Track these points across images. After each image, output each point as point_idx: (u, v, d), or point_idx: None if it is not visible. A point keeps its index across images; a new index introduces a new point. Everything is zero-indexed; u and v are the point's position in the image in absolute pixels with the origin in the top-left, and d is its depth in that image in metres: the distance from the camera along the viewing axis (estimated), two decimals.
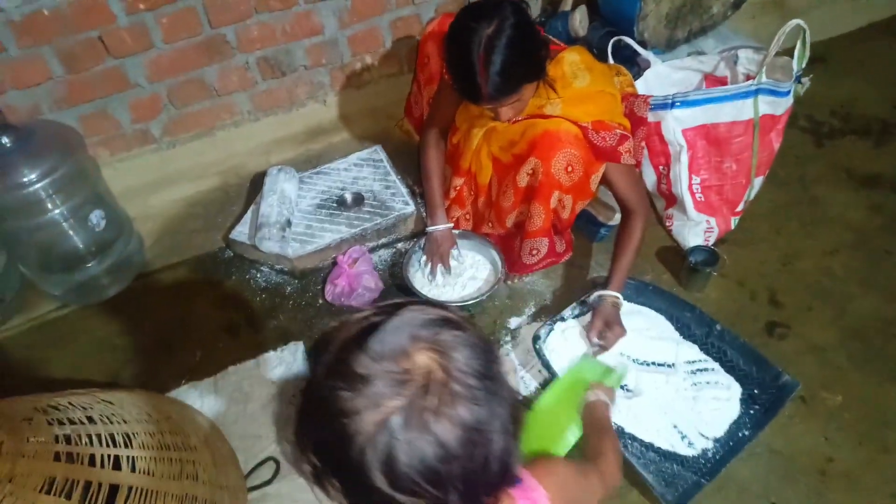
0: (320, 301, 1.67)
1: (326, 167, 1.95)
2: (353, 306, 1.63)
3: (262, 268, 1.76)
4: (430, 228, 1.63)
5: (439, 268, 1.61)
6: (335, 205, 1.81)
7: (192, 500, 1.15)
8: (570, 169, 1.41)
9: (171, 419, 1.26)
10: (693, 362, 1.45)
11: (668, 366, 1.44)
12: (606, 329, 1.40)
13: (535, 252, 1.60)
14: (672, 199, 1.77)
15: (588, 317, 1.52)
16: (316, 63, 2.05)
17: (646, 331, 1.50)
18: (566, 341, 1.45)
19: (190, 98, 1.93)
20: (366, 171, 1.93)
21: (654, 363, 1.45)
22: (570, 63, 1.40)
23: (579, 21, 1.97)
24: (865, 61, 2.31)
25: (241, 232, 1.75)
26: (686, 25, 2.00)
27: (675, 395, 1.38)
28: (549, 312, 1.59)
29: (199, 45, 1.84)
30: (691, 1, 1.94)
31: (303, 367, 1.50)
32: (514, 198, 1.52)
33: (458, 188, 1.65)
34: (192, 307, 1.69)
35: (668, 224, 1.80)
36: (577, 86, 1.39)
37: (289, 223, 1.69)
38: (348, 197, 1.83)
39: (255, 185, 1.96)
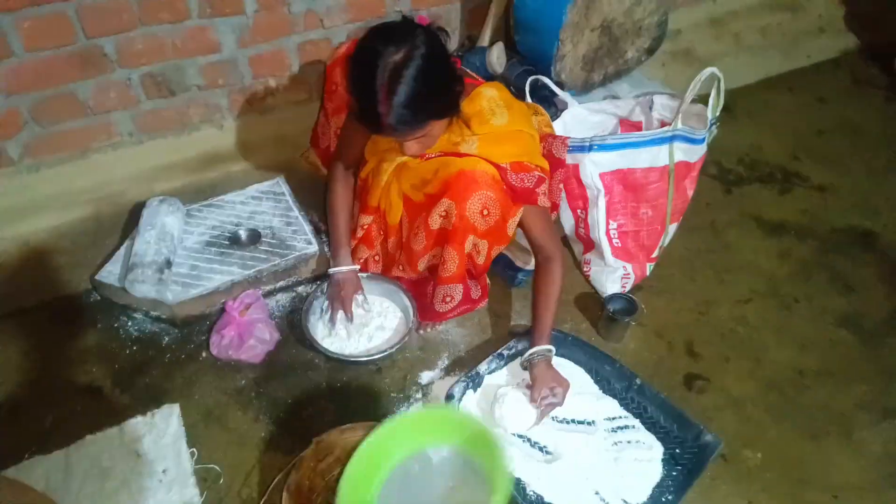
0: (203, 354, 1.46)
1: (219, 199, 1.75)
2: (241, 360, 1.43)
3: (134, 314, 1.52)
4: (332, 270, 1.48)
5: (340, 316, 1.45)
6: (227, 242, 1.62)
7: None
8: (486, 212, 1.31)
9: None
10: (613, 419, 1.37)
11: (588, 423, 1.36)
12: (551, 392, 1.29)
13: (448, 299, 1.48)
14: (590, 244, 1.71)
15: (505, 371, 1.41)
16: (212, 83, 1.86)
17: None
18: (483, 402, 1.33)
19: (58, 115, 1.69)
20: (265, 205, 1.75)
21: (573, 421, 1.36)
22: (489, 99, 1.32)
23: (496, 57, 1.91)
24: (766, 112, 2.41)
25: (109, 272, 1.51)
26: (602, 68, 1.99)
27: (595, 457, 1.29)
28: (464, 365, 1.47)
29: (70, 55, 1.61)
30: (607, 44, 1.94)
31: (178, 435, 1.28)
32: (426, 241, 1.40)
33: (365, 227, 1.51)
34: (48, 361, 1.43)
35: (585, 269, 1.75)
36: (494, 123, 1.30)
37: (168, 263, 1.48)
38: (242, 234, 1.64)
39: (135, 216, 1.71)
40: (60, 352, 1.45)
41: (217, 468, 1.24)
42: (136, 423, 1.31)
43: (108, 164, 1.82)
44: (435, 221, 1.36)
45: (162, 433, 1.29)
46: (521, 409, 1.31)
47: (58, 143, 1.73)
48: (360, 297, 1.49)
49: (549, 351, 1.33)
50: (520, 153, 1.34)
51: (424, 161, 1.35)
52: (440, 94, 1.17)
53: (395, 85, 1.08)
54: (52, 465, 1.23)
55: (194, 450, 1.26)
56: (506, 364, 1.43)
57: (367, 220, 1.50)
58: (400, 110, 1.10)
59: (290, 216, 1.72)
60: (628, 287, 1.69)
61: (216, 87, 1.87)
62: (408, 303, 1.52)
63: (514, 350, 1.43)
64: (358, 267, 1.51)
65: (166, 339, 1.49)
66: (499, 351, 1.41)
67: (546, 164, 1.41)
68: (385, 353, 1.41)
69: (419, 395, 1.41)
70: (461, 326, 1.58)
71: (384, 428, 1.10)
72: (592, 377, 1.45)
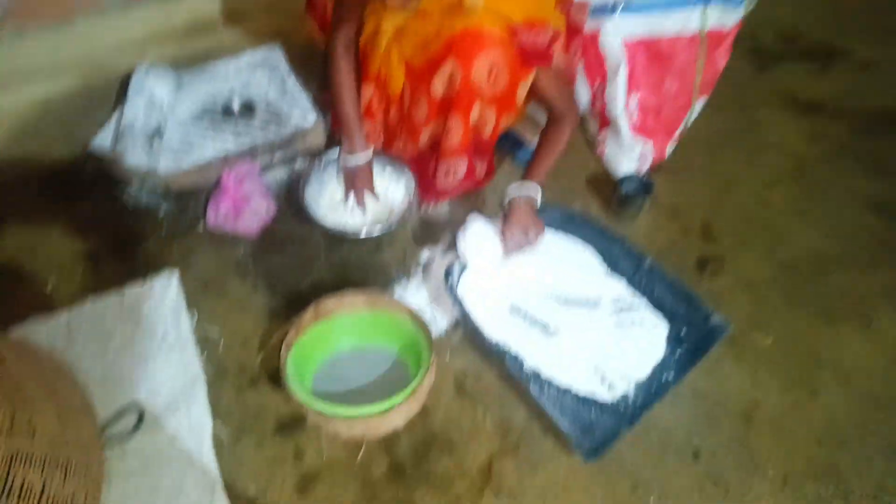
0: (200, 226, 1.43)
1: (212, 67, 1.66)
2: (238, 232, 1.40)
3: (128, 188, 1.48)
4: (348, 157, 1.40)
5: (367, 196, 1.42)
6: (220, 114, 1.54)
7: (23, 461, 0.95)
8: (493, 75, 1.21)
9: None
10: (619, 300, 1.33)
11: (592, 303, 1.32)
12: (523, 231, 1.28)
13: (451, 174, 1.41)
14: (605, 121, 1.60)
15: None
16: None
17: (570, 263, 1.37)
18: (480, 281, 1.30)
19: None
20: (260, 74, 1.66)
21: (576, 299, 1.32)
22: None
23: None
24: None
25: (102, 141, 1.46)
26: None
27: (597, 335, 1.26)
28: None
29: None
30: None
31: (178, 301, 1.28)
32: (429, 110, 1.31)
33: (366, 99, 1.42)
34: (45, 230, 1.42)
35: (599, 149, 1.65)
36: None
37: (159, 133, 1.42)
38: (236, 104, 1.56)
39: (126, 87, 1.64)
40: (58, 221, 1.43)
41: (217, 331, 1.24)
42: (136, 288, 1.30)
43: (94, 32, 1.73)
44: (438, 87, 1.26)
45: (161, 299, 1.28)
46: (485, 242, 1.29)
47: (41, 8, 1.64)
48: (373, 192, 1.44)
49: (536, 192, 1.31)
50: (531, 10, 1.21)
51: (424, 20, 1.24)
52: None
53: None
54: (54, 327, 1.24)
55: (194, 310, 1.26)
56: None
57: (367, 91, 1.40)
58: None
59: (286, 86, 1.63)
60: (645, 168, 1.60)
61: None
62: (409, 179, 1.45)
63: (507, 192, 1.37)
64: (371, 154, 1.42)
65: (162, 210, 1.46)
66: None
67: (562, 22, 1.28)
68: (384, 229, 1.36)
69: (418, 271, 1.37)
70: (464, 206, 1.52)
71: (336, 319, 1.19)
72: (600, 258, 1.39)
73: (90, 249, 1.38)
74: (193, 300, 1.29)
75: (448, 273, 1.26)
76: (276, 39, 1.76)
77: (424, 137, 1.40)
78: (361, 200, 1.42)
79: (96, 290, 1.30)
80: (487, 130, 1.35)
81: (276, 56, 1.71)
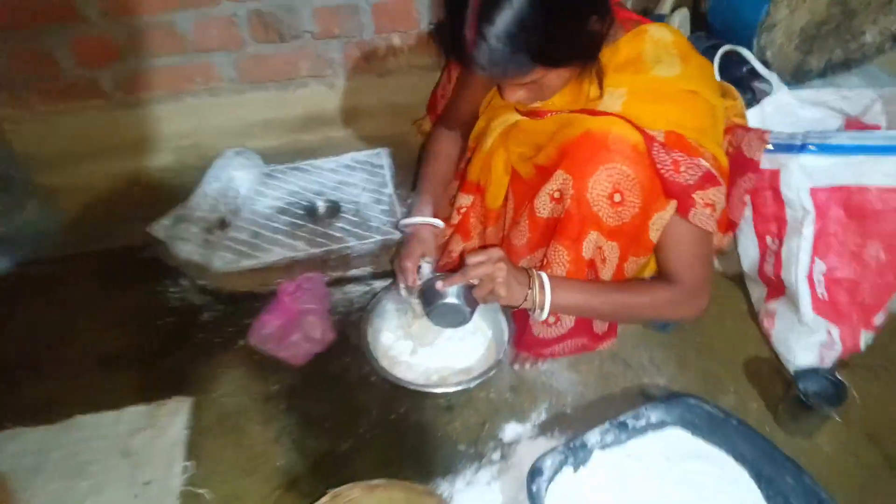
0: (241, 342, 1.18)
1: (307, 163, 1.50)
2: (281, 358, 1.14)
3: (180, 280, 1.29)
4: (402, 222, 1.13)
5: (401, 286, 1.08)
6: (301, 212, 1.35)
7: None
8: (617, 197, 0.90)
9: None
10: None
11: None
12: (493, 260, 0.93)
13: (553, 323, 1.08)
14: (779, 289, 1.21)
15: (626, 449, 0.98)
16: (326, 32, 1.62)
17: (717, 492, 0.94)
18: (584, 489, 0.91)
19: (155, 48, 1.53)
20: (357, 176, 1.47)
21: None
22: (656, 42, 0.91)
23: (678, 25, 1.48)
24: None
25: (163, 225, 1.30)
26: (824, 52, 1.48)
27: None
28: (568, 426, 1.06)
29: None
30: (838, 17, 1.42)
31: (178, 439, 1.01)
32: (530, 233, 1.01)
33: (463, 210, 1.15)
34: (72, 318, 1.24)
35: (766, 324, 1.24)
36: (657, 74, 0.89)
37: (223, 224, 1.23)
38: (320, 204, 1.36)
39: None
40: (90, 310, 1.25)
41: (206, 496, 0.94)
42: (138, 412, 1.05)
43: (201, 111, 1.65)
44: (543, 205, 0.97)
45: (161, 432, 1.02)
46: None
47: (152, 80, 1.58)
48: (427, 263, 1.08)
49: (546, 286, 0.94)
50: (684, 123, 0.91)
51: (540, 118, 0.97)
52: (562, 32, 0.79)
53: (490, 8, 0.73)
54: (29, 443, 1.01)
55: (190, 464, 0.98)
56: (628, 439, 0.99)
57: (465, 200, 1.14)
58: (492, 42, 0.75)
59: (382, 193, 1.42)
60: (830, 361, 1.16)
61: (331, 36, 1.63)
62: (504, 324, 1.13)
63: (643, 421, 0.99)
64: (437, 222, 1.12)
65: (206, 314, 1.24)
66: (621, 418, 0.98)
67: (724, 158, 0.97)
68: (460, 387, 1.03)
69: (496, 456, 1.01)
70: (573, 370, 1.16)
71: None
72: (762, 489, 0.96)
73: (112, 351, 1.17)
74: (198, 443, 1.01)
75: (536, 472, 0.89)
76: (391, 145, 1.59)
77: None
78: (403, 271, 1.05)
79: (96, 401, 1.07)
80: (606, 272, 1.01)
81: (380, 159, 1.53)
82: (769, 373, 1.18)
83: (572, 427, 1.06)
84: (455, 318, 1.00)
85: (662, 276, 1.00)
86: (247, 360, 1.15)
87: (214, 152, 1.59)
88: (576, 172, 0.90)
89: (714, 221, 0.94)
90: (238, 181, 1.30)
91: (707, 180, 0.90)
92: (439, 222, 1.12)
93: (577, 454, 0.92)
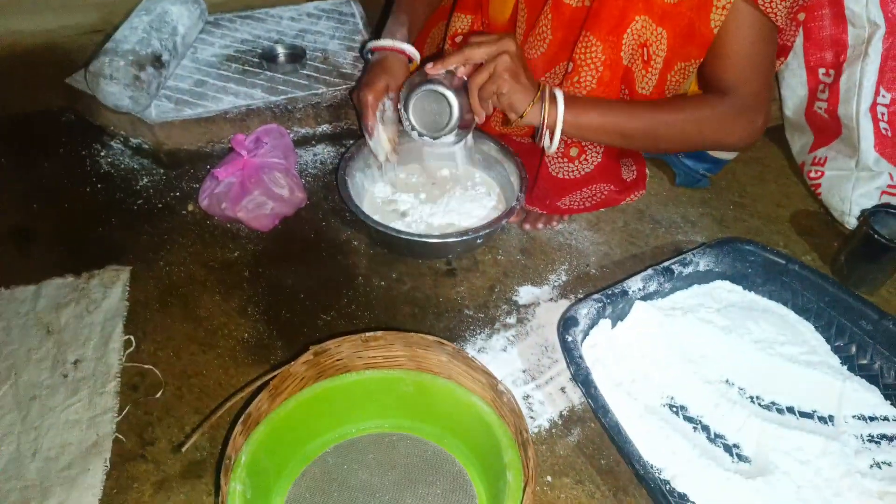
0: (190, 207, 0.99)
1: (260, 12, 1.27)
2: (241, 222, 0.95)
3: (111, 142, 1.08)
4: (370, 44, 0.91)
5: (376, 128, 0.88)
6: (255, 59, 1.13)
7: None
8: None
9: None
10: (870, 418, 0.75)
11: (823, 420, 0.75)
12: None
13: (577, 159, 0.90)
14: (830, 131, 1.06)
15: (675, 298, 0.83)
16: None
17: (777, 344, 0.81)
18: (628, 345, 0.76)
19: None
20: (324, 24, 1.25)
21: (794, 410, 0.76)
22: None
23: None
24: None
25: (82, 75, 1.07)
26: None
27: (835, 477, 0.69)
28: (594, 288, 0.90)
29: None
30: None
31: (115, 311, 0.82)
32: (553, 34, 0.82)
33: (459, 38, 0.96)
34: None
35: (813, 174, 1.09)
36: None
37: (158, 60, 1.00)
38: (280, 49, 1.14)
39: None
40: (3, 181, 1.03)
41: (157, 373, 0.76)
42: (61, 284, 0.86)
43: None
44: None
45: (93, 306, 0.83)
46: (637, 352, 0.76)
47: None
48: (391, 99, 0.88)
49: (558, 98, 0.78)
50: None
51: None
52: None
53: None
54: None
55: (131, 338, 0.80)
56: (672, 290, 0.84)
57: (462, 22, 0.95)
58: None
59: (355, 41, 1.20)
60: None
61: None
62: (514, 175, 0.96)
63: (690, 268, 0.84)
64: (410, 49, 0.89)
65: (145, 179, 1.03)
66: (665, 264, 0.82)
67: None
68: (463, 238, 0.86)
69: (511, 319, 0.86)
70: (593, 229, 1.00)
71: (347, 382, 0.66)
72: (832, 342, 0.83)
73: (27, 222, 0.97)
74: (140, 316, 0.83)
75: (571, 322, 0.74)
76: None
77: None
78: (363, 106, 0.86)
79: (13, 276, 0.87)
80: (647, 82, 0.83)
81: (350, 7, 1.30)
82: (820, 226, 1.04)
83: (598, 287, 0.90)
84: (440, 114, 0.81)
85: (709, 87, 0.82)
86: (197, 227, 0.96)
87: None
88: None
89: (785, 12, 0.76)
90: (174, 16, 1.07)
91: None
92: (414, 51, 0.90)
93: (615, 303, 0.77)
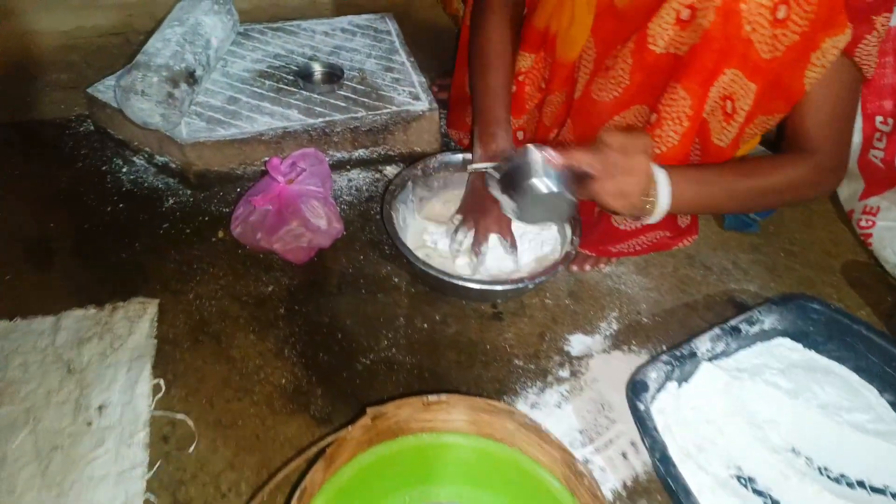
0: (220, 234, 0.94)
1: (293, 24, 1.22)
2: (276, 253, 0.90)
3: (134, 158, 1.03)
4: (473, 165, 0.87)
5: (495, 240, 0.86)
6: (291, 77, 1.08)
7: None
8: (782, 11, 0.66)
9: None
10: None
11: (885, 491, 0.72)
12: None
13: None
14: (883, 182, 1.04)
15: (743, 357, 0.79)
16: None
17: (848, 415, 0.77)
18: (698, 409, 0.72)
19: None
20: (359, 41, 1.20)
21: (866, 485, 0.73)
22: None
23: None
24: None
25: (108, 86, 1.02)
26: None
27: None
28: (645, 337, 0.87)
29: None
30: None
31: (144, 349, 0.77)
32: (631, 78, 0.78)
33: (521, 77, 0.91)
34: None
35: (863, 223, 1.06)
36: None
37: (191, 76, 0.95)
38: (316, 67, 1.10)
39: None
40: (16, 192, 0.98)
41: (189, 423, 0.71)
42: (83, 316, 0.80)
43: None
44: (662, 31, 0.71)
45: (118, 342, 0.78)
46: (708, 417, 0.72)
47: None
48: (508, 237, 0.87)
49: (662, 174, 0.71)
50: None
51: None
52: None
53: None
54: None
55: (160, 381, 0.74)
56: (738, 349, 0.80)
57: (525, 62, 0.90)
58: None
59: (392, 60, 1.16)
60: None
61: None
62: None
63: (757, 327, 0.80)
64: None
65: (171, 200, 0.98)
66: (732, 323, 0.79)
67: None
68: (514, 287, 0.82)
69: (564, 372, 0.81)
70: (642, 273, 0.96)
71: (407, 446, 0.63)
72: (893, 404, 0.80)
73: (45, 242, 0.91)
74: (169, 356, 0.78)
75: (638, 385, 0.70)
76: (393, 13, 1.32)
77: None
78: (482, 241, 0.85)
79: (30, 304, 0.81)
80: (726, 133, 0.78)
81: (385, 24, 1.26)
82: (872, 279, 1.01)
83: (652, 338, 0.86)
84: (553, 212, 0.74)
85: (793, 143, 0.79)
86: (227, 255, 0.91)
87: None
88: None
89: (875, 62, 0.73)
90: (207, 28, 1.02)
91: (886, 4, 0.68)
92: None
93: (683, 365, 0.73)
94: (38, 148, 1.05)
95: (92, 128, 1.07)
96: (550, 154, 0.69)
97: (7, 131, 1.08)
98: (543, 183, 0.68)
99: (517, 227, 0.88)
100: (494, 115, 0.86)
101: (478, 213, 0.86)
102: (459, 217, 0.89)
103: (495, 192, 0.77)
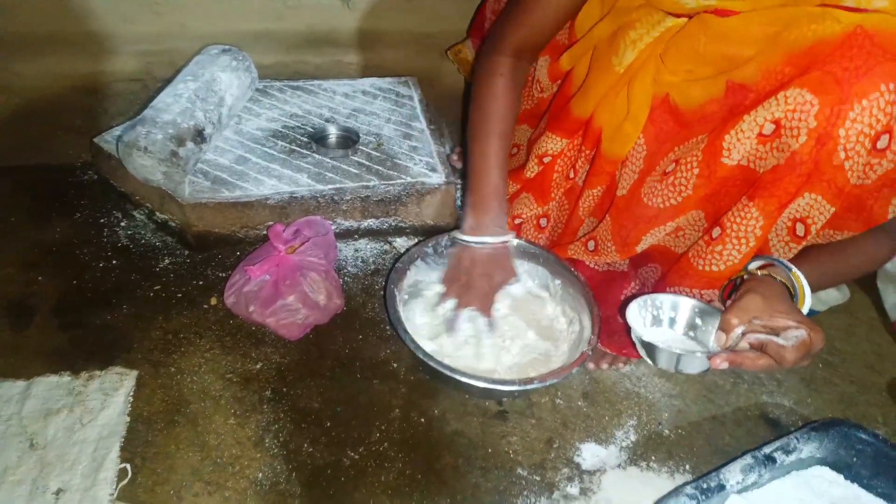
0: (213, 301, 0.91)
1: (313, 83, 1.22)
2: (268, 327, 0.86)
3: (134, 211, 1.01)
4: (464, 236, 0.86)
5: (472, 316, 0.84)
6: (305, 139, 1.07)
7: None
8: (883, 141, 0.62)
9: None
10: None
11: None
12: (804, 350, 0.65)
13: None
14: None
15: (773, 489, 0.73)
16: None
17: None
18: None
19: None
20: (379, 105, 1.20)
21: None
22: None
23: None
24: None
25: (115, 136, 1.01)
26: None
27: None
28: (666, 452, 0.81)
29: None
30: None
31: (113, 428, 0.73)
32: (696, 190, 0.74)
33: (549, 158, 0.89)
34: None
35: None
36: None
37: (200, 135, 0.94)
38: (332, 130, 1.09)
39: None
40: (6, 240, 0.96)
41: None
42: (55, 384, 0.77)
43: (179, 11, 1.36)
44: (739, 145, 0.69)
45: (88, 417, 0.74)
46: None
47: None
48: (512, 288, 0.86)
49: (800, 279, 0.70)
50: None
51: (735, 18, 0.71)
52: None
53: None
54: None
55: (127, 466, 0.70)
56: (770, 479, 0.74)
57: (554, 145, 0.88)
58: None
59: (412, 127, 1.15)
60: None
61: None
62: (586, 312, 0.87)
63: (794, 456, 0.74)
64: (513, 238, 0.88)
65: (166, 260, 0.96)
66: (767, 450, 0.73)
67: None
68: (523, 387, 0.77)
69: (573, 489, 0.75)
70: (666, 376, 0.91)
71: None
72: None
73: (28, 300, 0.89)
74: (141, 437, 0.73)
75: None
76: (417, 78, 1.33)
77: (645, 243, 0.83)
78: (466, 313, 0.83)
79: (0, 365, 0.78)
80: (787, 254, 0.74)
81: (408, 88, 1.26)
82: None
83: (674, 455, 0.80)
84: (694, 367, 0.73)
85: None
86: (217, 326, 0.87)
87: (184, 60, 1.31)
88: (830, 91, 0.61)
89: None
90: (223, 85, 1.02)
91: None
92: (513, 238, 0.89)
93: (709, 498, 0.67)
94: (41, 194, 1.05)
95: (95, 177, 1.07)
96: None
97: (13, 174, 1.08)
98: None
99: (517, 330, 0.85)
100: (493, 185, 0.84)
101: (461, 286, 0.85)
102: (441, 288, 0.86)
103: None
